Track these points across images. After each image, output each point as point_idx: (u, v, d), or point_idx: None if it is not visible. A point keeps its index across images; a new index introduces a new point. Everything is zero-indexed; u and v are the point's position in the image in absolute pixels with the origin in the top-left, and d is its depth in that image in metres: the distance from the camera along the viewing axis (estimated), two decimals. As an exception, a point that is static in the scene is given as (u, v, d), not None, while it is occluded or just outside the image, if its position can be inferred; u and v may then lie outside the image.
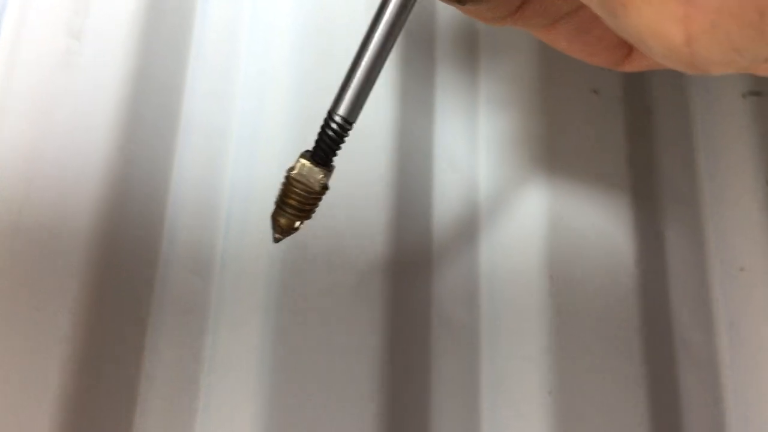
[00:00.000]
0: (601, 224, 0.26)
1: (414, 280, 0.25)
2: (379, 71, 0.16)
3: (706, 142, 0.29)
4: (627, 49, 0.20)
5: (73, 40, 0.25)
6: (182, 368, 0.24)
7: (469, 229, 0.27)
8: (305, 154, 0.17)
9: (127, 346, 0.23)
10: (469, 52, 0.29)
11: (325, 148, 0.17)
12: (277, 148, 0.26)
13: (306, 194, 0.17)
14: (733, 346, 0.27)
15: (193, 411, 0.23)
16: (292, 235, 0.24)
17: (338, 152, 0.17)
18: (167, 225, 0.25)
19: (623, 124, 0.28)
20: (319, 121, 0.25)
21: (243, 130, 0.26)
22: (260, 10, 0.27)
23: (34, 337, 0.22)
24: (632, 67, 0.20)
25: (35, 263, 0.22)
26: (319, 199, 0.17)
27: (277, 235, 0.18)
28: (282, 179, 0.17)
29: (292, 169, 0.17)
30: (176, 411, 0.23)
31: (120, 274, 0.23)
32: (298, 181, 0.17)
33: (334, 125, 0.16)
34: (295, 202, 0.17)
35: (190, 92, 0.27)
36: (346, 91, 0.16)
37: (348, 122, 0.16)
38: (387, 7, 0.16)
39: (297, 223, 0.17)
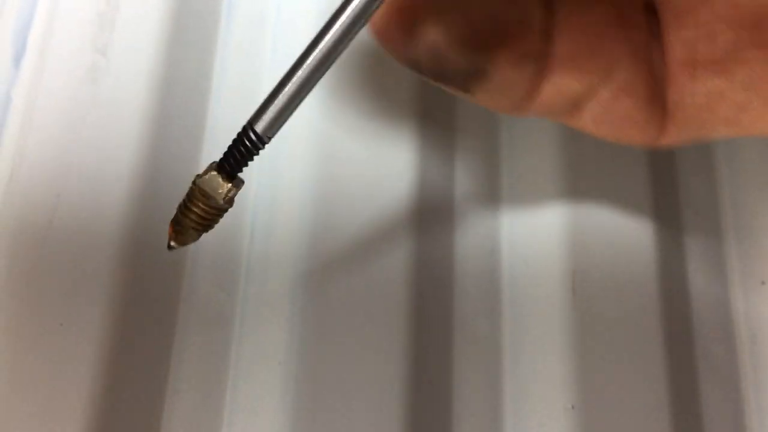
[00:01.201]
0: (622, 236, 0.26)
1: (436, 293, 0.25)
2: (310, 90, 0.15)
3: (727, 151, 0.29)
4: (658, 125, 0.19)
5: (99, 55, 0.25)
6: (208, 380, 0.24)
7: (490, 241, 0.27)
8: (214, 163, 0.16)
9: (153, 359, 0.24)
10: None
11: (233, 162, 0.16)
12: (301, 159, 0.26)
13: (207, 207, 0.16)
14: (754, 358, 0.27)
15: (219, 424, 0.23)
16: (319, 245, 0.24)
17: (246, 167, 0.16)
18: (192, 239, 0.25)
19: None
20: (344, 128, 0.25)
21: (268, 146, 0.26)
22: (284, 22, 0.28)
23: (61, 350, 0.22)
24: (668, 141, 0.19)
25: (63, 276, 0.23)
26: (222, 213, 0.16)
27: (172, 243, 0.17)
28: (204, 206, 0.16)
29: (200, 175, 0.16)
30: (202, 423, 0.23)
31: (146, 286, 0.24)
32: (202, 190, 0.16)
33: (247, 139, 0.15)
34: (199, 212, 0.16)
35: (215, 105, 0.27)
36: (270, 105, 0.15)
37: (264, 139, 0.15)
38: (332, 26, 0.15)
39: (196, 234, 0.16)
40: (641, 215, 0.27)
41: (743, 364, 0.27)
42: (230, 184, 0.16)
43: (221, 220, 0.26)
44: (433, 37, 0.16)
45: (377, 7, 0.14)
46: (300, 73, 0.15)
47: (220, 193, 0.16)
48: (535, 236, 0.26)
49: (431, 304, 0.25)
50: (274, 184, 0.26)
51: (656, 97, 0.18)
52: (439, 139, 0.27)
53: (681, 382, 0.25)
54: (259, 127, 0.15)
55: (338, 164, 0.25)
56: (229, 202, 0.16)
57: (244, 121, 0.27)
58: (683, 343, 0.26)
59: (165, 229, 0.24)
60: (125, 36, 0.25)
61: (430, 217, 0.26)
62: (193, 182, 0.16)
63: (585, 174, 0.27)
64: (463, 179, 0.27)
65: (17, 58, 0.26)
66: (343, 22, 0.15)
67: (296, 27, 0.27)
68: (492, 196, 0.27)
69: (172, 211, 0.25)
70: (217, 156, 0.26)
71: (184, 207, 0.16)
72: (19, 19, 0.27)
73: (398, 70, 0.25)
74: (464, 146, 0.28)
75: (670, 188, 0.28)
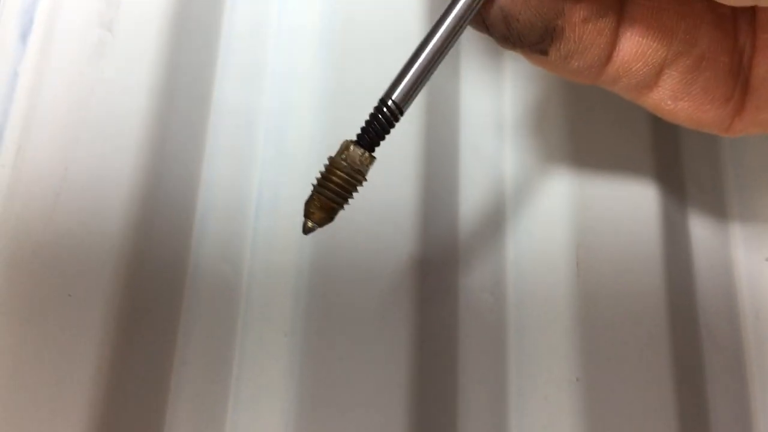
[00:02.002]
0: (626, 211, 0.26)
1: (441, 268, 0.26)
2: (439, 63, 0.16)
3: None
4: (737, 104, 0.18)
5: (106, 31, 0.25)
6: (215, 352, 0.24)
7: (495, 216, 0.27)
8: (348, 140, 0.17)
9: (161, 332, 0.24)
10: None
11: (372, 134, 0.16)
12: (307, 128, 0.26)
13: (348, 178, 0.16)
14: (758, 333, 0.27)
15: (226, 395, 0.24)
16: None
17: (383, 140, 0.17)
18: (199, 212, 0.25)
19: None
20: (347, 109, 0.26)
21: (272, 116, 0.26)
22: (288, 4, 0.28)
23: (68, 325, 0.22)
24: (743, 125, 0.19)
25: (71, 246, 0.23)
26: (357, 187, 0.17)
27: (310, 224, 0.17)
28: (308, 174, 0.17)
29: (334, 155, 0.17)
30: (209, 395, 0.24)
31: (154, 260, 0.24)
32: (342, 164, 0.16)
33: (386, 111, 0.16)
34: (336, 187, 0.17)
35: (221, 81, 0.27)
36: (404, 78, 0.16)
37: (400, 110, 0.16)
38: (457, 1, 0.16)
39: (333, 212, 0.17)
40: (646, 191, 0.27)
41: (747, 339, 0.27)
42: (370, 156, 0.17)
43: (227, 197, 0.26)
44: (503, 1, 0.16)
45: None
46: (430, 48, 0.16)
47: (362, 164, 0.16)
48: (539, 210, 0.27)
49: (436, 277, 0.25)
50: (280, 157, 0.26)
51: (739, 71, 0.18)
52: (445, 101, 0.27)
53: (685, 355, 0.25)
54: (396, 98, 0.16)
55: (342, 136, 0.25)
56: (363, 176, 0.17)
57: (250, 91, 0.27)
58: (687, 317, 0.26)
59: (172, 202, 0.25)
60: (131, 12, 0.25)
61: (436, 191, 0.26)
62: (330, 161, 0.17)
63: (590, 149, 0.27)
64: (468, 154, 0.27)
65: (24, 35, 0.26)
66: None
67: (302, 4, 0.27)
68: (496, 170, 0.27)
69: (181, 183, 0.25)
70: (223, 131, 0.27)
71: (321, 186, 0.17)
72: (26, -5, 0.27)
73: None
74: (468, 116, 0.28)
75: (675, 165, 0.28)
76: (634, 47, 0.17)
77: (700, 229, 0.28)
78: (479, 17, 0.17)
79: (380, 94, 0.26)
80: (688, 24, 0.17)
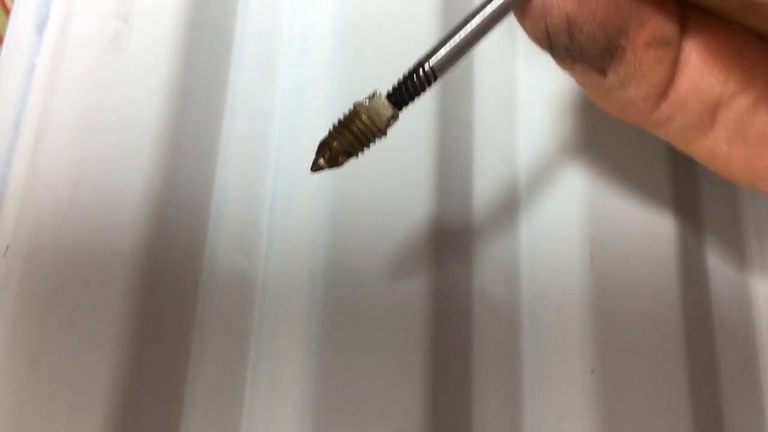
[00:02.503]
0: (641, 205, 0.26)
1: (455, 260, 0.26)
2: (480, 38, 0.16)
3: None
4: None
5: (122, 23, 0.25)
6: (230, 343, 0.24)
7: (508, 209, 0.27)
8: (378, 91, 0.17)
9: (176, 322, 0.24)
10: (509, 28, 0.29)
11: (402, 93, 0.16)
12: (320, 126, 0.26)
13: (368, 127, 0.16)
14: (771, 327, 0.27)
15: (242, 385, 0.24)
16: (337, 210, 0.24)
17: (412, 102, 0.17)
18: (214, 205, 0.25)
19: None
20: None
21: (287, 109, 0.27)
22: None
23: (86, 317, 0.22)
24: None
25: (89, 237, 0.23)
26: (375, 140, 0.17)
27: (321, 161, 0.17)
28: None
29: (363, 100, 0.16)
30: (225, 384, 0.24)
31: (169, 250, 0.24)
32: (365, 111, 0.16)
33: (421, 73, 0.16)
34: (354, 133, 0.16)
35: (236, 72, 0.27)
36: (444, 46, 0.16)
37: (434, 76, 0.16)
38: None
39: (346, 156, 0.17)
40: (660, 184, 0.27)
41: (761, 332, 0.27)
42: (394, 111, 0.16)
43: (242, 188, 0.26)
44: (569, 6, 0.16)
45: None
46: (474, 21, 0.16)
47: (384, 116, 0.16)
48: (553, 203, 0.27)
49: (451, 271, 0.25)
50: (294, 150, 0.26)
51: None
52: (459, 100, 0.27)
53: (698, 347, 0.26)
54: (432, 64, 0.16)
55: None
56: (384, 129, 0.16)
57: (266, 83, 0.27)
58: (701, 310, 0.26)
59: (188, 195, 0.25)
60: (147, 3, 0.26)
61: (449, 186, 0.26)
62: (354, 106, 0.16)
63: (606, 142, 0.27)
64: (482, 144, 0.27)
65: (40, 26, 0.26)
66: None
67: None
68: (510, 163, 0.27)
69: (196, 174, 0.25)
70: (238, 122, 0.27)
71: (340, 127, 0.16)
72: (42, -13, 0.27)
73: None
74: (483, 107, 0.28)
75: (691, 160, 0.28)
76: (690, 81, 0.17)
77: (714, 224, 0.28)
78: (542, 26, 0.17)
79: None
80: (746, 62, 0.17)
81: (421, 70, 0.16)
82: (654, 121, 0.18)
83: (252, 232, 0.25)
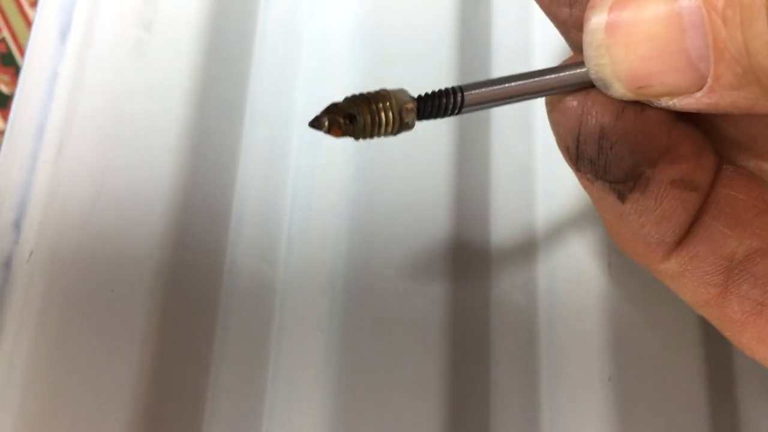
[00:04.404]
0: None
1: (473, 268, 0.26)
2: (525, 99, 0.16)
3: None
4: None
5: (144, 31, 0.26)
6: (251, 349, 0.24)
7: (526, 216, 0.27)
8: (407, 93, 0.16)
9: (198, 329, 0.24)
10: (526, 49, 0.29)
11: (426, 102, 0.16)
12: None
13: (388, 114, 0.15)
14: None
15: (263, 390, 0.24)
16: (356, 217, 0.25)
17: (429, 118, 0.16)
18: (235, 211, 0.26)
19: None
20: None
21: (307, 116, 0.27)
22: (322, 1, 0.28)
23: (110, 322, 0.23)
24: None
25: (112, 243, 0.23)
26: (384, 132, 0.16)
27: (324, 120, 0.16)
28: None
29: (389, 89, 0.16)
30: (246, 389, 0.24)
31: (191, 257, 0.24)
32: (393, 99, 0.15)
33: (451, 96, 0.16)
34: (375, 112, 0.15)
35: (256, 79, 0.27)
36: (490, 86, 0.16)
37: (462, 106, 0.16)
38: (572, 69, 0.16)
39: (350, 131, 0.16)
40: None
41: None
42: (414, 105, 0.16)
43: (263, 195, 0.26)
44: (607, 119, 0.16)
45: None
46: (525, 81, 0.16)
47: (405, 106, 0.15)
48: (571, 211, 0.27)
49: (469, 279, 0.26)
50: (314, 155, 0.26)
51: None
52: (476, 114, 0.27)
53: (715, 355, 0.26)
54: (467, 95, 0.16)
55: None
56: (399, 126, 0.16)
57: (283, 90, 0.27)
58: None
59: (209, 202, 0.25)
60: (169, 11, 0.26)
61: (468, 193, 0.26)
62: (383, 89, 0.16)
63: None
64: (499, 154, 0.28)
65: (63, 34, 0.27)
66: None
67: (333, 7, 0.27)
68: (527, 171, 0.28)
69: (217, 181, 0.26)
70: (258, 129, 0.27)
71: (360, 101, 0.15)
72: (65, -4, 0.27)
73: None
74: (498, 119, 0.28)
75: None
76: (709, 234, 0.16)
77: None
78: (575, 131, 0.16)
79: (418, 88, 0.27)
80: (766, 223, 0.16)
81: (455, 94, 0.16)
82: (662, 269, 0.17)
83: (272, 239, 0.26)
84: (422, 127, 0.26)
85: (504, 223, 0.27)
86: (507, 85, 0.16)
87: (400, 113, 0.15)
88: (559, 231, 0.27)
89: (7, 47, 0.43)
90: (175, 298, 0.23)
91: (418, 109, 0.16)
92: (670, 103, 0.14)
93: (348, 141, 0.26)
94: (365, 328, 0.24)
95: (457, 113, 0.16)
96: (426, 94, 0.16)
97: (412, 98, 0.16)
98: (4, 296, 0.24)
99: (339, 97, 0.26)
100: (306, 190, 0.26)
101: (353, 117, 0.15)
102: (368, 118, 0.15)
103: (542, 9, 0.17)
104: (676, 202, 0.16)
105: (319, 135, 0.26)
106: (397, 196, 0.25)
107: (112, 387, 0.22)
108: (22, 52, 0.45)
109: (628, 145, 0.16)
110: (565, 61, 0.17)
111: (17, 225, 0.25)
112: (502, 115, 0.28)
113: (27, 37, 0.28)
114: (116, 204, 0.24)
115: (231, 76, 0.27)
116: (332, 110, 0.15)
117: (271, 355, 0.24)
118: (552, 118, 0.17)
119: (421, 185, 0.25)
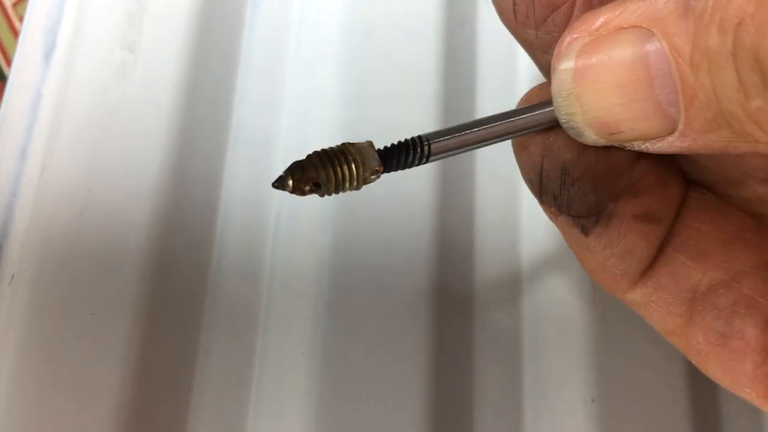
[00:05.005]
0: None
1: (456, 289, 0.26)
2: (490, 144, 0.16)
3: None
4: None
5: (128, 52, 0.26)
6: (234, 372, 0.24)
7: (509, 236, 0.27)
8: (371, 144, 0.16)
9: (180, 351, 0.24)
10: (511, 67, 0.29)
11: (391, 154, 0.16)
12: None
13: (352, 170, 0.15)
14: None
15: (245, 414, 0.24)
16: (339, 238, 0.25)
17: (397, 169, 0.16)
18: (218, 232, 0.26)
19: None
20: (365, 130, 0.26)
21: (290, 138, 0.27)
22: (307, 21, 0.28)
23: (91, 344, 0.23)
24: None
25: (94, 265, 0.23)
26: (349, 187, 0.15)
27: (288, 182, 0.15)
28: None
29: (355, 143, 0.15)
30: (228, 414, 0.24)
31: (173, 279, 0.24)
32: (356, 153, 0.15)
33: (416, 147, 0.16)
34: (338, 170, 0.15)
35: (239, 102, 0.27)
36: (451, 134, 0.16)
37: (429, 157, 0.16)
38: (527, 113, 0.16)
39: (313, 189, 0.15)
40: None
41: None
42: (379, 164, 0.15)
43: (246, 216, 0.26)
44: (568, 155, 0.16)
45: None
46: (486, 128, 0.16)
47: (369, 167, 0.15)
48: (555, 230, 0.27)
49: (452, 299, 0.26)
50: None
51: None
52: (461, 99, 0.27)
53: (700, 376, 0.26)
54: (432, 145, 0.16)
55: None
56: (365, 182, 0.15)
57: (268, 111, 0.27)
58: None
59: (192, 223, 0.25)
60: (153, 33, 0.26)
61: (451, 210, 0.26)
62: (345, 144, 0.15)
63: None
64: (485, 176, 0.28)
65: (47, 55, 0.27)
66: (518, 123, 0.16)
67: (320, 27, 0.27)
68: (511, 191, 0.28)
69: (201, 204, 0.26)
70: (242, 152, 0.27)
71: (323, 158, 0.15)
72: (49, 16, 0.27)
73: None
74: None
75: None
76: (672, 267, 0.16)
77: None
78: (538, 167, 0.16)
79: (398, 111, 0.27)
80: (733, 259, 0.16)
81: (420, 145, 0.16)
82: (628, 299, 0.17)
83: (256, 259, 0.25)
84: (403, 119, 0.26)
85: (488, 244, 0.27)
86: (474, 130, 0.16)
87: (364, 173, 0.15)
88: (543, 251, 0.27)
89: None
90: (157, 321, 0.23)
91: (384, 164, 0.16)
92: (643, 146, 0.14)
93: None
94: (348, 350, 0.24)
95: (425, 162, 0.16)
96: (392, 147, 0.16)
97: (378, 158, 0.15)
98: (-14, 318, 0.24)
99: (324, 120, 0.26)
100: (290, 211, 0.26)
101: (317, 184, 0.15)
102: (332, 180, 0.15)
103: (509, 31, 0.17)
104: (639, 236, 0.16)
105: (303, 155, 0.27)
106: (382, 219, 0.25)
107: (94, 408, 0.22)
108: (9, 62, 0.45)
109: (591, 180, 0.16)
110: (527, 94, 0.17)
111: None
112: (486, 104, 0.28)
113: (14, 48, 0.28)
114: (98, 227, 0.24)
115: (215, 96, 0.27)
116: (296, 171, 0.15)
117: (253, 377, 0.24)
118: (516, 151, 0.17)
119: (405, 207, 0.25)
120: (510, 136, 0.16)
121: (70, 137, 0.25)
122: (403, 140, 0.16)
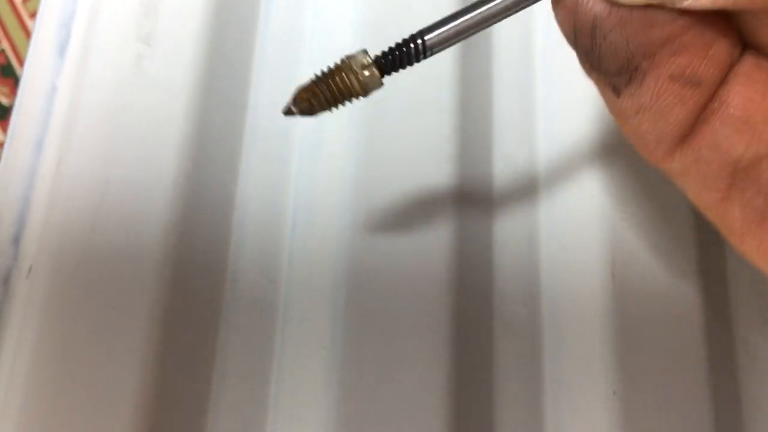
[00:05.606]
0: (662, 223, 0.26)
1: (475, 281, 0.26)
2: (487, 26, 0.16)
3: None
4: None
5: (143, 45, 0.26)
6: (253, 367, 0.24)
7: (527, 228, 0.27)
8: (366, 53, 0.16)
9: (199, 347, 0.24)
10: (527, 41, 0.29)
11: (389, 58, 0.16)
12: (339, 150, 0.26)
13: (349, 83, 0.16)
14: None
15: (264, 409, 0.24)
16: (358, 232, 0.24)
17: (396, 72, 0.16)
18: (235, 227, 0.26)
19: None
20: (381, 121, 0.26)
21: (306, 132, 0.27)
22: (322, 15, 0.28)
23: (110, 339, 0.23)
24: None
25: (112, 260, 0.23)
26: (350, 97, 0.16)
27: (293, 108, 0.17)
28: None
29: (348, 57, 0.16)
30: (248, 409, 0.24)
31: (192, 275, 0.24)
32: (346, 64, 0.16)
33: (412, 45, 0.16)
34: (337, 85, 0.16)
35: (256, 94, 0.27)
36: (447, 24, 0.16)
37: (425, 52, 0.16)
38: None
39: (320, 107, 0.17)
40: (683, 203, 0.27)
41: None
42: (374, 71, 0.16)
43: (263, 211, 0.26)
44: (598, 9, 0.14)
45: None
46: (483, 9, 0.15)
47: (366, 78, 0.16)
48: (574, 222, 0.26)
49: (471, 292, 0.25)
50: (314, 170, 0.26)
51: None
52: (478, 121, 0.27)
53: (721, 369, 0.25)
54: (429, 38, 0.16)
55: (378, 149, 0.25)
56: (363, 87, 0.16)
57: (284, 104, 0.27)
58: (723, 331, 0.26)
59: (210, 217, 0.25)
60: (168, 25, 0.26)
61: (469, 204, 0.26)
62: (340, 61, 0.16)
63: (627, 161, 0.27)
64: (502, 167, 0.27)
65: (62, 48, 0.27)
66: None
67: (336, 12, 0.27)
68: (530, 182, 0.27)
69: (218, 197, 0.25)
70: (258, 144, 0.27)
71: (323, 77, 0.16)
72: (63, 9, 0.27)
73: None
74: (500, 128, 0.28)
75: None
76: (713, 134, 0.15)
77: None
78: (571, 22, 0.15)
79: (416, 104, 0.26)
80: None
81: (416, 42, 0.16)
82: (666, 169, 0.16)
83: (274, 255, 0.25)
84: (423, 138, 0.26)
85: (507, 233, 0.27)
86: (470, 14, 0.16)
87: (358, 76, 0.16)
88: (562, 242, 0.26)
89: (7, 58, 0.43)
90: (176, 317, 0.23)
91: (382, 66, 0.16)
92: (685, 3, 0.13)
93: (348, 155, 0.26)
94: (367, 344, 0.23)
95: (424, 58, 0.16)
96: (388, 51, 0.16)
97: (365, 53, 0.16)
98: (2, 312, 0.24)
99: (340, 113, 0.26)
100: (307, 205, 0.26)
101: (315, 96, 0.16)
102: (334, 96, 0.16)
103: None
104: (674, 99, 0.15)
105: (319, 149, 0.26)
106: (399, 211, 0.25)
107: (113, 405, 0.22)
108: (21, 62, 0.45)
109: (624, 35, 0.15)
110: None
111: (16, 241, 0.25)
112: (503, 121, 0.28)
113: (26, 48, 0.28)
114: (115, 219, 0.23)
115: (231, 89, 0.26)
116: (301, 96, 0.16)
117: (272, 373, 0.24)
118: (552, 4, 0.16)
119: (423, 201, 0.25)
120: (514, 7, 0.15)
121: (86, 130, 0.25)
122: (399, 41, 0.16)
